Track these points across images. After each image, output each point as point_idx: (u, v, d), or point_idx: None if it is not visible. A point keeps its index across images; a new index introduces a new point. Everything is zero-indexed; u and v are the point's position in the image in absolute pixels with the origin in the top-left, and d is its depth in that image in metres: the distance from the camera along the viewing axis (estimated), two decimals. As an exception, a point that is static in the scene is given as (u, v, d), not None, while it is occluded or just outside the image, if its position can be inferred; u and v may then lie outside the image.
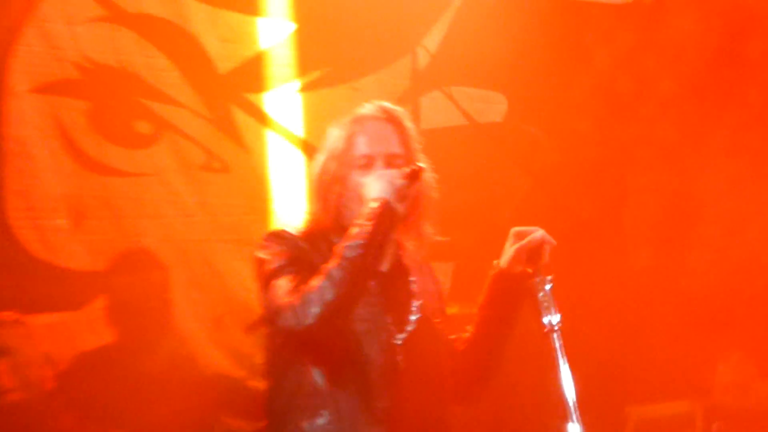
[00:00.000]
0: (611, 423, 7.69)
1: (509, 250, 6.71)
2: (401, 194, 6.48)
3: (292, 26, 9.67)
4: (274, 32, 9.67)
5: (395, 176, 6.51)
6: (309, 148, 9.31)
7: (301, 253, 6.62)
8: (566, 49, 10.09)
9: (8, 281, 9.11)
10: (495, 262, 6.75)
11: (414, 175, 6.50)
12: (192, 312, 9.37)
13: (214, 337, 9.41)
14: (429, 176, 6.84)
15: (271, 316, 6.53)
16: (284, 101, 9.67)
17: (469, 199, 8.70)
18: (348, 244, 6.38)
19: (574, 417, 6.32)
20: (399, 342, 6.67)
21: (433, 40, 9.75)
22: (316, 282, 6.35)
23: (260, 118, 9.65)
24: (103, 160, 9.32)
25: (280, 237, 6.70)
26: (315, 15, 9.65)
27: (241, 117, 9.60)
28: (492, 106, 9.97)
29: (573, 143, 9.92)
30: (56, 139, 9.26)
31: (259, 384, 9.20)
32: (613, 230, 9.08)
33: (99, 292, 9.22)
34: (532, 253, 6.67)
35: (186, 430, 9.11)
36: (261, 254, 6.66)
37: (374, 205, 6.43)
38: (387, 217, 6.48)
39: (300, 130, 9.50)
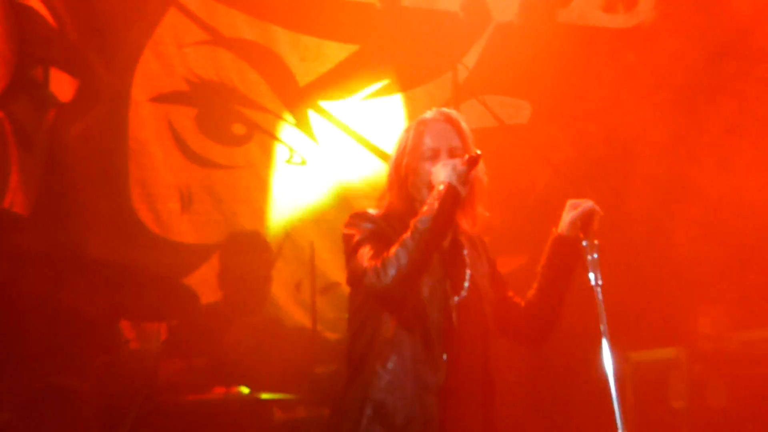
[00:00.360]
0: (615, 365, 6.72)
1: (566, 218, 7.24)
2: (463, 178, 7.01)
3: (357, 47, 10.06)
4: (342, 52, 10.06)
5: (457, 164, 7.01)
6: (371, 146, 9.77)
7: (381, 229, 7.22)
8: (579, 65, 10.32)
9: (131, 252, 9.52)
10: (554, 228, 7.25)
11: (473, 162, 7.02)
12: (278, 278, 9.75)
13: (295, 297, 9.88)
14: (482, 165, 7.28)
15: (357, 278, 7.15)
16: (351, 108, 10.10)
17: (499, 187, 8.12)
18: (420, 219, 6.99)
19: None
20: (455, 302, 7.30)
21: (470, 58, 10.22)
22: (393, 249, 6.95)
23: (332, 121, 10.06)
24: (206, 156, 9.87)
25: (363, 216, 7.29)
26: (375, 38, 10.03)
27: (317, 121, 10.02)
28: (519, 111, 10.36)
29: (585, 142, 10.26)
30: (169, 139, 9.77)
31: (330, 335, 9.56)
32: (617, 212, 9.22)
33: (203, 261, 9.77)
34: (584, 221, 7.21)
35: (275, 373, 9.21)
36: (348, 230, 7.24)
37: (441, 187, 6.99)
38: (451, 197, 7.01)
39: (364, 132, 9.94)
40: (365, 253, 7.19)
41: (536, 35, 10.37)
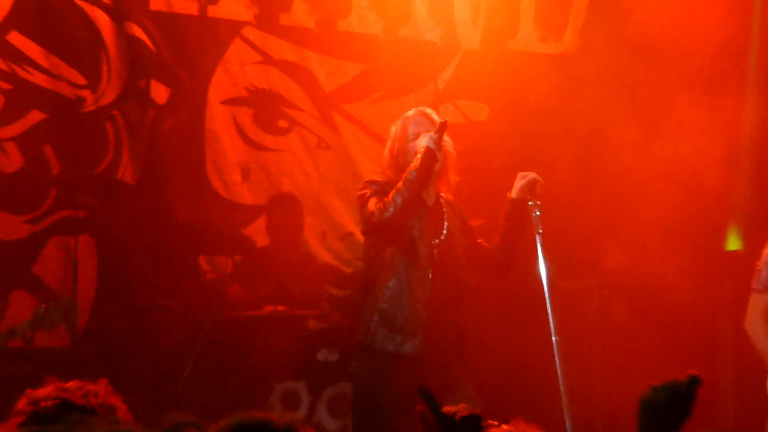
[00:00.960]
0: (549, 288, 7.55)
1: (516, 185, 7.72)
2: (436, 143, 7.45)
3: (365, 66, 9.98)
4: (356, 69, 9.98)
5: (431, 134, 7.48)
6: (375, 135, 9.67)
7: (382, 188, 7.55)
8: (522, 79, 10.21)
9: (207, 211, 9.50)
10: (508, 194, 7.72)
11: (441, 127, 7.51)
12: (309, 229, 9.75)
13: (322, 242, 9.87)
14: (451, 144, 7.76)
15: (368, 218, 7.56)
16: (362, 109, 10.03)
17: (466, 167, 8.32)
18: (409, 171, 7.41)
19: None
20: (436, 243, 7.72)
21: (446, 74, 10.14)
22: (391, 194, 7.40)
23: (350, 118, 10.02)
24: (260, 142, 9.78)
25: (371, 181, 7.71)
26: (378, 59, 9.94)
27: (338, 118, 9.97)
28: (480, 112, 10.32)
29: (526, 132, 10.15)
30: (233, 130, 9.70)
31: (346, 269, 9.70)
32: (549, 180, 8.45)
33: (257, 217, 9.69)
34: (529, 187, 7.67)
35: (308, 295, 9.24)
36: (361, 191, 7.65)
37: (422, 150, 7.44)
38: (430, 155, 7.45)
39: (371, 125, 9.87)
40: (373, 201, 7.54)
41: (493, 58, 10.28)
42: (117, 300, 9.10)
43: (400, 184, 7.50)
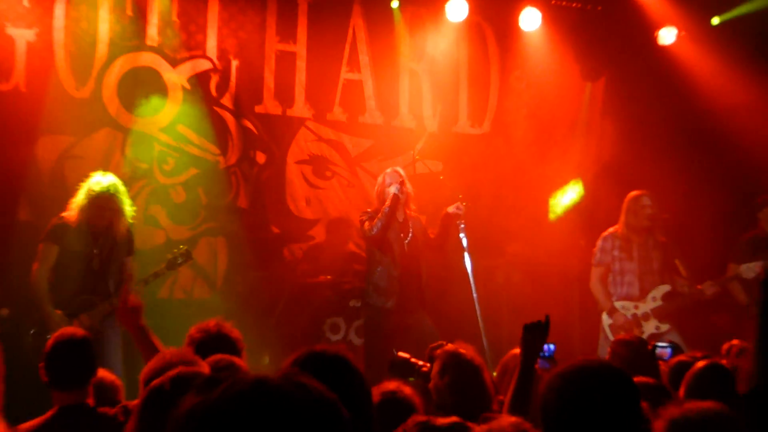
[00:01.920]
0: (473, 270, 7.40)
1: (452, 208, 7.35)
2: (400, 190, 7.29)
3: (372, 142, 9.67)
4: (368, 143, 9.65)
5: (397, 185, 7.29)
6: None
7: (372, 215, 7.36)
8: (462, 151, 9.95)
9: (285, 222, 9.31)
10: (446, 209, 7.40)
11: (402, 184, 7.31)
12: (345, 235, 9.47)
13: (350, 239, 9.48)
14: (411, 187, 7.46)
15: (364, 233, 7.41)
16: (373, 165, 9.61)
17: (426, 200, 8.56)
18: (384, 206, 7.26)
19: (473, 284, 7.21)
20: (406, 242, 7.47)
21: (419, 146, 9.81)
22: (375, 220, 7.25)
23: (365, 170, 9.64)
24: (316, 184, 9.47)
25: (365, 212, 7.53)
26: (380, 137, 9.68)
27: (359, 170, 9.61)
28: (437, 166, 9.84)
29: (460, 180, 9.48)
30: (301, 178, 9.37)
31: (365, 254, 9.03)
32: (475, 199, 8.56)
33: (314, 226, 9.42)
34: (457, 216, 7.31)
35: (343, 270, 8.92)
36: (360, 218, 7.51)
37: (391, 195, 7.28)
38: (395, 199, 7.27)
39: (377, 174, 8.68)
40: (367, 224, 7.36)
41: (444, 137, 10.15)
42: (239, 272, 8.96)
43: (380, 214, 7.46)
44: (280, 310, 8.50)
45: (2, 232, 7.71)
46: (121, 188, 6.83)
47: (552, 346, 4.35)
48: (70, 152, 8.55)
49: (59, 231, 6.61)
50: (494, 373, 4.83)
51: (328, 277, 8.76)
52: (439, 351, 4.43)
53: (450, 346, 4.42)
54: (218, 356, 3.57)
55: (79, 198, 6.66)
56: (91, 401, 4.09)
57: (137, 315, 4.28)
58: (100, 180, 6.69)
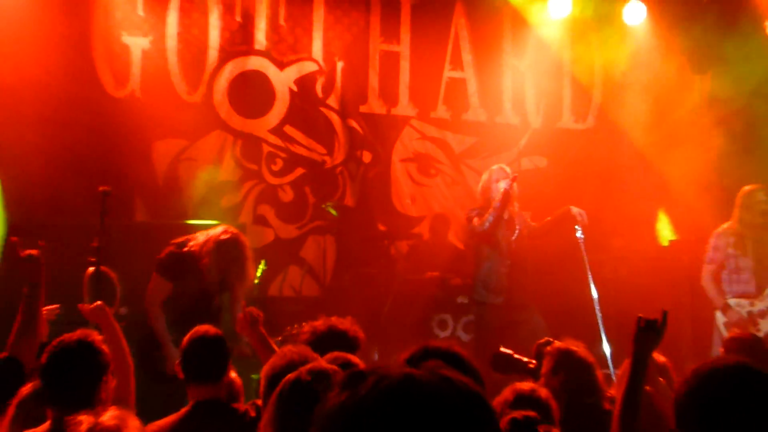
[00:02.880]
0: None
1: (574, 209, 7.12)
2: (509, 186, 7.15)
3: (476, 139, 9.52)
4: (471, 140, 9.53)
5: (507, 181, 7.17)
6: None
7: (479, 212, 7.26)
8: (563, 145, 9.81)
9: (392, 221, 9.34)
10: (569, 206, 7.13)
11: (513, 179, 7.16)
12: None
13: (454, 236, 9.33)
14: (516, 185, 7.24)
15: (473, 229, 7.34)
16: (477, 162, 9.49)
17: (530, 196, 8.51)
18: (494, 203, 7.13)
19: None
20: (513, 239, 7.42)
21: (522, 142, 9.63)
22: (485, 216, 7.17)
23: (469, 167, 9.51)
24: (420, 182, 9.55)
25: (472, 208, 7.39)
26: (484, 134, 9.53)
27: (463, 167, 9.50)
28: (541, 161, 9.76)
29: (565, 176, 9.61)
30: (406, 176, 9.48)
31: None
32: (580, 196, 8.31)
33: (419, 223, 9.47)
34: (578, 219, 7.08)
35: (448, 266, 8.68)
36: (468, 214, 7.41)
37: (501, 190, 7.16)
38: (506, 194, 7.15)
39: (482, 172, 8.66)
40: (476, 220, 7.30)
41: (548, 132, 9.95)
42: (347, 269, 8.97)
43: (490, 210, 7.26)
44: (387, 306, 8.39)
45: (121, 232, 7.71)
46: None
47: None
48: (183, 154, 8.73)
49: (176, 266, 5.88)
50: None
51: (435, 273, 8.61)
52: (548, 348, 4.28)
53: (561, 343, 4.28)
54: (335, 354, 3.53)
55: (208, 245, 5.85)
56: (224, 397, 4.11)
57: (257, 324, 4.38)
58: (225, 229, 5.91)
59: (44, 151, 7.88)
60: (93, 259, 5.70)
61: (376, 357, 8.08)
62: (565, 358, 4.15)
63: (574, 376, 4.08)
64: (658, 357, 4.55)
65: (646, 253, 9.31)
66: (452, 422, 1.51)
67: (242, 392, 4.50)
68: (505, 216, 7.43)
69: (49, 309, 4.90)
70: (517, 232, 7.50)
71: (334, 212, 8.67)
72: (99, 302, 4.39)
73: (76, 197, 7.86)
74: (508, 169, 7.50)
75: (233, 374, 4.45)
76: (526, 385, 3.57)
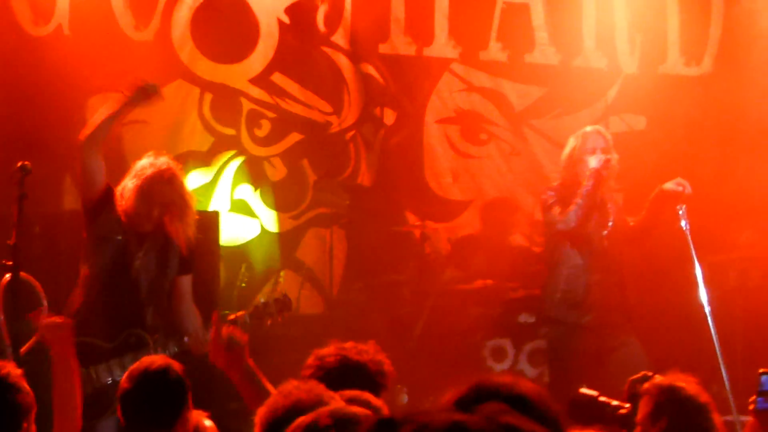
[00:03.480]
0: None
1: (671, 184, 7.34)
2: (603, 165, 7.29)
3: (545, 90, 9.81)
4: (539, 93, 9.82)
5: (601, 156, 7.29)
6: (557, 143, 9.13)
7: (560, 195, 7.45)
8: (668, 99, 9.95)
9: (424, 205, 9.47)
10: (662, 185, 7.38)
11: (607, 161, 7.30)
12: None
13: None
14: (616, 156, 7.47)
15: (551, 224, 7.53)
16: (545, 123, 9.79)
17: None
18: (580, 192, 7.27)
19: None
20: (604, 234, 7.56)
21: (611, 94, 9.86)
22: (571, 208, 7.30)
23: (535, 130, 9.79)
24: (466, 151, 9.72)
25: (550, 188, 7.60)
26: (554, 84, 9.79)
27: (526, 130, 9.78)
28: (638, 121, 10.01)
29: (671, 141, 9.81)
30: (445, 143, 9.67)
31: (537, 249, 9.19)
32: (692, 169, 8.69)
33: (465, 209, 9.62)
34: (679, 194, 7.31)
35: (506, 272, 8.97)
36: (544, 197, 7.59)
37: (592, 171, 7.29)
38: (598, 176, 7.29)
39: (553, 136, 9.59)
40: (556, 211, 7.41)
41: (647, 80, 10.03)
42: (362, 276, 9.12)
43: (576, 200, 7.36)
44: (420, 328, 8.56)
45: (46, 224, 7.91)
46: (182, 178, 6.68)
47: None
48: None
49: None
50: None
51: (488, 281, 8.77)
52: (646, 385, 4.33)
53: (664, 379, 4.33)
54: (352, 392, 3.70)
55: (124, 185, 6.53)
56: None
57: (241, 353, 4.58)
58: (152, 161, 6.55)
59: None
60: (9, 263, 5.83)
61: (405, 400, 8.20)
62: (670, 398, 4.22)
63: (683, 423, 4.15)
64: None
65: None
66: None
67: None
68: (597, 200, 7.59)
69: None
70: (610, 225, 7.61)
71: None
72: (62, 318, 4.75)
73: None
74: (607, 135, 7.64)
75: (204, 421, 4.59)
76: None
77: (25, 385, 3.78)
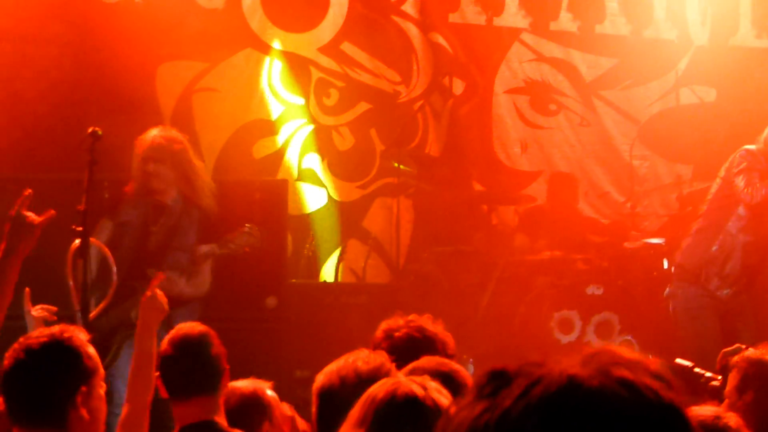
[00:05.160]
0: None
1: None
2: None
3: (617, 60, 9.68)
4: (609, 64, 9.73)
5: None
6: (627, 115, 9.45)
7: (754, 163, 7.19)
8: (739, 71, 9.84)
9: (492, 176, 9.51)
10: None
11: None
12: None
13: (584, 199, 9.49)
14: None
15: (727, 187, 7.35)
16: (616, 93, 9.69)
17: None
18: None
19: None
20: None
21: (682, 65, 9.73)
22: (756, 184, 7.13)
23: (605, 101, 9.68)
24: (535, 122, 9.64)
25: (748, 152, 7.33)
26: (626, 54, 9.67)
27: (596, 101, 9.65)
28: (709, 94, 9.89)
29: (743, 113, 9.49)
30: (514, 113, 9.59)
31: (605, 220, 9.18)
32: None
33: (533, 180, 9.54)
34: None
35: (574, 243, 8.77)
36: (740, 159, 7.26)
37: None
38: None
39: (623, 106, 9.57)
40: (742, 183, 7.19)
41: (718, 52, 9.88)
42: (428, 246, 9.02)
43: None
44: (487, 299, 8.41)
45: (116, 190, 7.74)
46: (181, 143, 6.84)
47: None
48: (198, 83, 8.80)
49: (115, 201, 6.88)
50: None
51: (555, 253, 8.58)
52: (736, 358, 4.36)
53: (753, 352, 4.34)
54: (435, 359, 3.66)
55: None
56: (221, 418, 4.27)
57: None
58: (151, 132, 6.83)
59: (8, 79, 8.07)
60: (79, 228, 5.74)
61: (471, 370, 7.95)
62: (757, 371, 4.20)
63: None
64: None
65: None
66: None
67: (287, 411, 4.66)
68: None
69: (42, 309, 5.04)
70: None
71: (406, 168, 8.85)
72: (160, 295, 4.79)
73: (54, 142, 8.02)
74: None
75: (267, 391, 4.56)
76: (706, 411, 3.58)
77: (88, 350, 3.69)
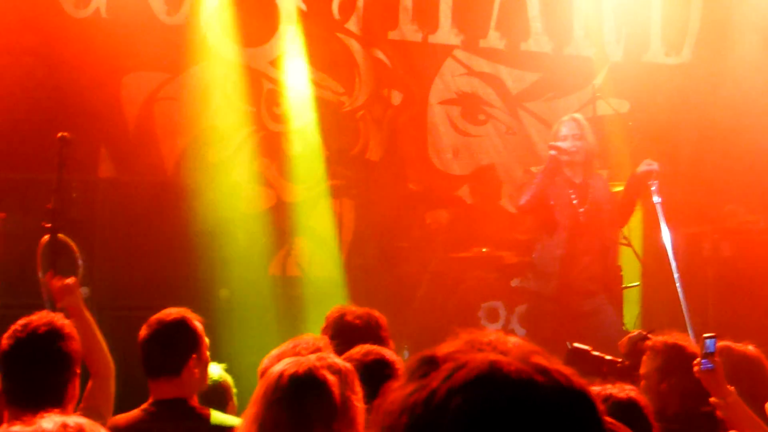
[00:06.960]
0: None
1: (642, 166, 7.29)
2: (563, 152, 7.27)
3: (540, 75, 9.77)
4: (534, 77, 9.81)
5: (565, 145, 7.26)
6: (548, 124, 9.05)
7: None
8: (650, 85, 9.92)
9: (426, 177, 9.50)
10: (634, 170, 7.38)
11: (556, 149, 7.21)
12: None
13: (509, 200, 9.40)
14: (590, 140, 7.37)
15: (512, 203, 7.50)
16: (539, 105, 9.78)
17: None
18: (539, 171, 7.42)
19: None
20: (581, 211, 7.42)
21: (598, 80, 9.75)
22: (523, 190, 7.39)
23: (529, 112, 9.70)
24: (465, 130, 9.71)
25: (527, 170, 7.83)
26: (546, 71, 9.76)
27: (521, 112, 9.73)
28: (622, 105, 9.87)
29: (653, 123, 9.70)
30: (447, 122, 9.69)
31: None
32: (672, 150, 9.05)
33: (464, 183, 9.57)
34: (650, 172, 7.22)
35: (500, 240, 8.81)
36: (524, 177, 7.73)
37: (549, 157, 7.32)
38: (554, 163, 7.31)
39: (545, 117, 9.60)
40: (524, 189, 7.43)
41: (631, 68, 9.99)
42: (369, 242, 9.09)
43: (534, 180, 7.49)
44: (422, 291, 8.53)
45: (82, 191, 7.84)
46: None
47: (712, 341, 4.18)
48: (160, 93, 8.81)
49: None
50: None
51: (483, 249, 8.68)
52: (650, 342, 4.38)
53: (667, 338, 4.37)
54: (366, 347, 3.72)
55: None
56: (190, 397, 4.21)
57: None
58: None
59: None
60: (48, 225, 5.80)
61: (406, 357, 7.97)
62: (679, 356, 4.23)
63: (691, 378, 4.12)
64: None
65: (758, 224, 9.25)
66: (552, 427, 1.53)
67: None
68: (577, 180, 7.51)
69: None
70: (588, 203, 7.55)
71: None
72: (72, 279, 4.67)
73: (25, 145, 8.00)
74: (583, 122, 7.58)
75: (219, 370, 4.62)
76: (621, 393, 3.58)
77: (76, 335, 3.85)
